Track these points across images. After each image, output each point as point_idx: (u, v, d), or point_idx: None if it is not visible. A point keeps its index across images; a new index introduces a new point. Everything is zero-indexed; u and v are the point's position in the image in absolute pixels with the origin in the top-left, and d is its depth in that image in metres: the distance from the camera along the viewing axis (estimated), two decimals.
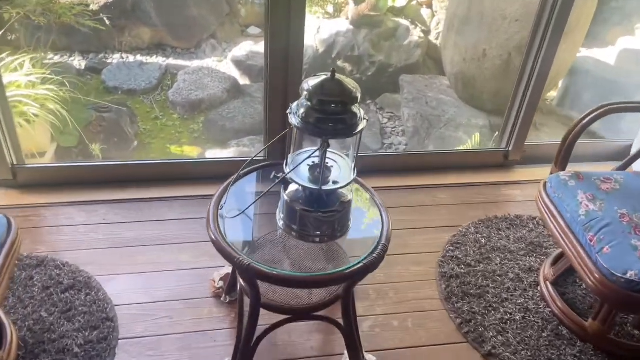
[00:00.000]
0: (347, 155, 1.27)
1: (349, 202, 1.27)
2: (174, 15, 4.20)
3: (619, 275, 1.37)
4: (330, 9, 4.10)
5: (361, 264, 1.20)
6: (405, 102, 3.47)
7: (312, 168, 1.23)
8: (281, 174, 1.24)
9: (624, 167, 1.75)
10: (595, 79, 3.49)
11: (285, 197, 1.25)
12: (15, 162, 1.93)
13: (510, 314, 1.67)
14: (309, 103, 1.13)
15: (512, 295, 1.73)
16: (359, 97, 1.14)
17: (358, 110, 1.15)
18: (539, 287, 1.77)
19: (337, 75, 1.12)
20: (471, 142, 3.01)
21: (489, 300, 1.71)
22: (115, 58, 4.00)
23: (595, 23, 3.25)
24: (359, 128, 1.14)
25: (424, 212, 2.05)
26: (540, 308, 1.70)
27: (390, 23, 3.88)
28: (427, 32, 3.97)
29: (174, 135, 3.43)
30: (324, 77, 1.13)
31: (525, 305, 1.70)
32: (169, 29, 4.21)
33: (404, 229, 1.95)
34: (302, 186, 1.21)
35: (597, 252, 1.43)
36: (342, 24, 3.83)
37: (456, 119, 3.31)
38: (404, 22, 3.90)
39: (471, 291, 1.73)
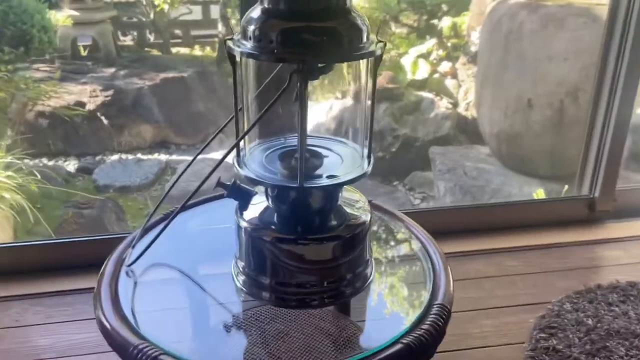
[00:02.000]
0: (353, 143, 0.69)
1: (364, 225, 0.66)
2: (179, 111, 3.86)
3: None
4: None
5: (399, 345, 0.57)
6: (439, 175, 2.90)
7: (287, 157, 0.65)
8: (232, 181, 0.66)
9: None
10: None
11: (243, 224, 0.65)
12: None
13: None
14: (266, 7, 0.57)
15: None
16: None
17: (364, 25, 0.59)
18: None
19: None
20: None
21: None
22: (113, 160, 3.62)
23: None
24: (370, 49, 0.57)
25: (490, 286, 1.39)
26: None
27: (413, 97, 3.46)
28: (454, 104, 3.52)
29: None
30: None
31: None
32: (172, 125, 3.84)
33: (464, 311, 1.29)
34: (269, 187, 0.62)
35: None
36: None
37: (503, 188, 2.70)
38: (428, 94, 3.48)
39: None
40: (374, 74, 0.60)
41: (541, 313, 1.28)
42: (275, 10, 0.57)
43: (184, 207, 0.70)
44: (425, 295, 0.66)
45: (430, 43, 3.67)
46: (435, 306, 0.64)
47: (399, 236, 0.81)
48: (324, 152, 0.66)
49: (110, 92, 3.61)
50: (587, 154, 1.67)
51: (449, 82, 3.59)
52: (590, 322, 1.24)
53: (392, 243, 0.81)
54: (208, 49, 4.64)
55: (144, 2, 4.35)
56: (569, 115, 2.44)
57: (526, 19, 2.47)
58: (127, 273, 0.70)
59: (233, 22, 4.53)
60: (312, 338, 0.77)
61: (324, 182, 0.61)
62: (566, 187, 2.07)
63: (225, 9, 4.46)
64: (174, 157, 3.66)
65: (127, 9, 4.44)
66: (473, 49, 3.47)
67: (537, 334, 1.22)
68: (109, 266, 0.70)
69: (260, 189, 0.67)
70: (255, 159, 0.66)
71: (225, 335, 0.72)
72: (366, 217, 0.66)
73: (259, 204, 0.67)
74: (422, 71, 3.63)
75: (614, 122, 1.58)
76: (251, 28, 0.57)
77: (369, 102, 0.65)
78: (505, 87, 2.62)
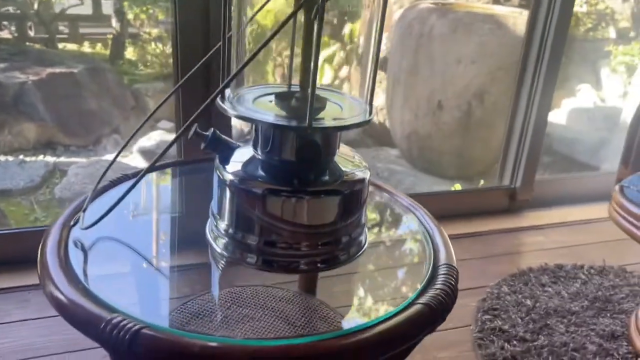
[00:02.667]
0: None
1: (364, 182, 0.59)
2: (68, 109, 3.52)
3: None
4: None
5: (418, 306, 0.50)
6: None
7: (283, 99, 0.56)
8: (211, 130, 0.56)
9: None
10: (554, 138, 3.29)
11: (228, 177, 0.56)
12: None
13: None
14: None
15: None
16: None
17: None
18: (638, 359, 1.10)
19: None
20: None
21: None
22: None
23: None
24: None
25: None
26: None
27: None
28: None
29: None
30: None
31: None
32: (60, 124, 3.50)
33: None
34: (266, 127, 0.53)
35: None
36: None
37: (414, 188, 2.76)
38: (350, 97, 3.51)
39: None
40: (384, 9, 0.54)
41: (482, 297, 1.29)
42: None
43: (152, 168, 0.58)
44: (428, 258, 0.61)
45: (334, 47, 3.70)
46: (442, 266, 0.58)
47: (384, 202, 0.76)
48: (324, 98, 0.59)
49: None
50: (507, 148, 1.73)
51: None
52: (529, 302, 1.27)
53: (378, 210, 0.75)
54: (99, 46, 4.31)
55: None
56: (476, 117, 2.55)
57: (436, 23, 2.56)
58: (75, 243, 0.57)
59: (130, 16, 4.27)
60: (292, 312, 0.68)
61: (332, 123, 0.53)
62: (482, 181, 2.14)
63: (121, 3, 4.18)
64: (63, 159, 3.33)
65: None
66: (380, 54, 3.55)
67: (481, 316, 1.22)
68: (53, 233, 0.56)
69: (248, 136, 0.58)
70: (243, 102, 0.56)
71: (198, 310, 0.61)
72: (365, 174, 0.59)
73: (242, 156, 0.58)
74: (327, 76, 3.64)
75: (534, 118, 1.66)
76: None
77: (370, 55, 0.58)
78: (416, 89, 2.69)
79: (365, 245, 0.61)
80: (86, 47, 4.34)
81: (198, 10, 1.19)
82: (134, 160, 3.28)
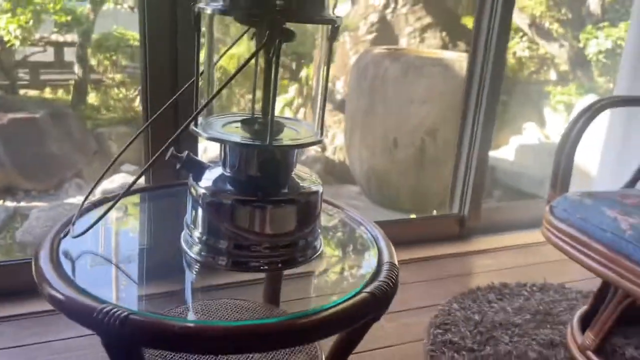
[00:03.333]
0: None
1: (318, 193, 0.69)
2: (29, 154, 3.53)
3: None
4: None
5: (364, 294, 0.60)
6: None
7: (247, 124, 0.67)
8: (185, 153, 0.66)
9: (632, 185, 1.37)
10: (503, 172, 3.52)
11: (201, 191, 0.65)
12: None
13: None
14: None
15: None
16: None
17: None
18: None
19: None
20: None
21: None
22: None
23: None
24: (331, 16, 0.63)
25: None
26: None
27: None
28: (323, 148, 3.71)
29: None
30: None
31: None
32: (21, 169, 3.50)
33: None
34: (233, 146, 0.63)
35: None
36: None
37: None
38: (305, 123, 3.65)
39: None
40: (331, 43, 0.65)
41: (434, 313, 1.39)
42: None
43: (128, 192, 0.67)
44: (373, 258, 0.71)
45: (293, 92, 3.86)
46: (386, 264, 0.68)
47: (336, 216, 0.86)
48: (282, 123, 0.69)
49: None
50: (455, 179, 1.88)
51: None
52: (476, 317, 1.37)
53: (332, 222, 0.85)
54: (61, 91, 4.35)
55: None
56: (429, 153, 2.72)
57: (389, 66, 2.74)
58: (65, 255, 0.65)
59: (93, 62, 4.34)
60: (252, 306, 0.76)
61: (290, 142, 0.64)
62: (435, 211, 2.28)
63: (84, 50, 4.25)
64: (23, 203, 3.32)
65: None
66: (338, 97, 3.73)
67: (433, 330, 1.31)
68: (44, 245, 0.64)
69: (215, 160, 0.68)
70: (213, 127, 0.66)
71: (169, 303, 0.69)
72: (319, 188, 0.70)
73: (212, 174, 0.67)
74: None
75: (477, 152, 1.81)
76: None
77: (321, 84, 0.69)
78: (373, 128, 2.84)
79: (321, 249, 0.71)
80: (47, 93, 4.37)
81: (166, 53, 1.30)
82: None
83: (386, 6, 3.96)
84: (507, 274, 1.62)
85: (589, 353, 1.21)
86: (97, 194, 3.43)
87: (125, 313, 0.53)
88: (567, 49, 3.77)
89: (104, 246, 0.76)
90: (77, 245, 0.68)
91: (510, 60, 3.97)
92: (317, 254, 0.71)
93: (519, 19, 3.87)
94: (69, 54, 4.36)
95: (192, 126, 0.65)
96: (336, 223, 0.84)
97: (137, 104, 3.88)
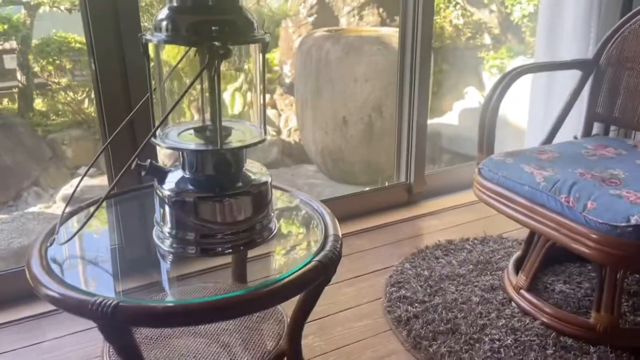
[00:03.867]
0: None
1: (267, 184, 0.82)
2: None
3: (623, 224, 1.06)
4: None
5: (314, 263, 0.73)
6: None
7: (198, 132, 0.78)
8: (149, 161, 0.77)
9: (548, 142, 1.55)
10: (449, 137, 3.68)
11: (166, 193, 0.77)
12: None
13: (499, 340, 1.25)
14: (176, 5, 0.71)
15: (489, 320, 1.32)
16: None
17: (254, 20, 0.76)
18: (512, 302, 1.39)
19: None
20: None
21: (466, 332, 1.28)
22: None
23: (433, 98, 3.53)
24: (260, 36, 0.75)
25: (346, 262, 1.62)
26: (528, 323, 1.31)
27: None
28: (278, 132, 3.82)
29: None
30: None
31: (510, 325, 1.30)
32: None
33: (330, 284, 1.49)
34: (191, 152, 0.75)
35: (581, 212, 1.12)
36: None
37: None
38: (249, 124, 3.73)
39: (440, 328, 1.29)
40: (263, 56, 0.77)
41: (389, 274, 1.55)
42: (185, 7, 0.71)
43: (108, 197, 0.77)
44: (320, 232, 0.84)
45: (240, 80, 3.93)
46: (331, 236, 0.82)
47: (286, 199, 0.98)
48: (229, 128, 0.81)
49: None
50: (399, 151, 2.03)
51: (270, 112, 3.87)
52: (426, 272, 1.54)
53: (283, 205, 0.98)
54: (6, 101, 4.29)
55: None
56: (377, 128, 2.87)
57: (331, 48, 2.86)
58: (52, 260, 0.75)
59: (36, 69, 4.29)
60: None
61: (237, 144, 0.76)
62: (387, 182, 2.43)
63: (25, 56, 4.20)
64: None
65: None
66: (287, 80, 3.82)
67: (389, 289, 1.47)
68: (34, 253, 0.74)
69: (176, 162, 0.79)
70: (170, 137, 0.78)
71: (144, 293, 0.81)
72: (268, 178, 0.82)
73: (174, 177, 0.79)
74: (239, 104, 3.86)
75: (416, 121, 1.96)
76: (165, 23, 0.71)
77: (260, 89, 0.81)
78: (322, 108, 2.97)
79: (275, 230, 0.84)
80: None
81: (117, 63, 1.38)
82: (58, 209, 3.32)
83: None
84: (452, 232, 1.80)
85: (522, 292, 1.39)
86: (58, 200, 3.46)
87: (115, 302, 0.64)
88: (496, 15, 3.97)
89: (84, 249, 0.87)
90: (61, 251, 0.78)
91: (448, 28, 4.14)
92: (273, 234, 0.84)
93: None
94: (10, 62, 4.29)
95: (152, 139, 0.76)
96: (287, 205, 0.97)
97: (87, 105, 3.88)
